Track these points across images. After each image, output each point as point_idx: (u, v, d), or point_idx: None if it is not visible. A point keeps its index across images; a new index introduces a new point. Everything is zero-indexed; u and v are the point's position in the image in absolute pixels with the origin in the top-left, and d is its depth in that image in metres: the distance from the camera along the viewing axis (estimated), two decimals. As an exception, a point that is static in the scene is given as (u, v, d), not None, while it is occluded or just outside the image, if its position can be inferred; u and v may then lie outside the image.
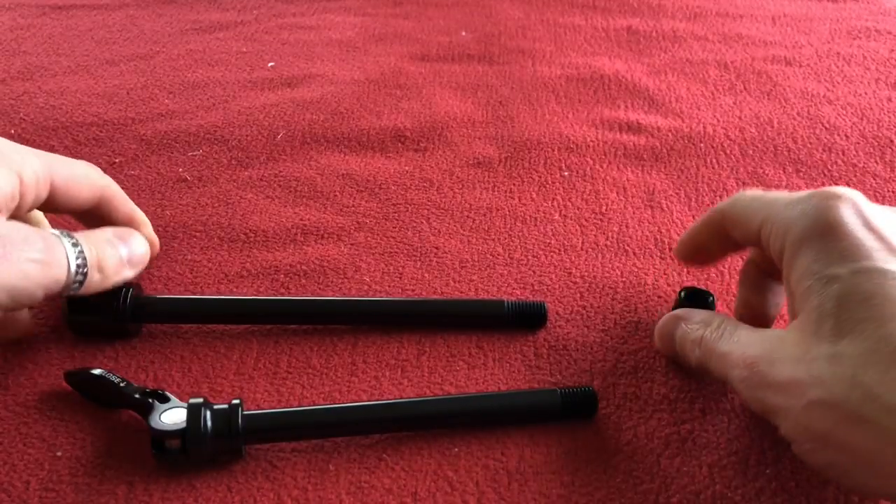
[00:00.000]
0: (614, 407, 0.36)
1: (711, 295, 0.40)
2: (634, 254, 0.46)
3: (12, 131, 0.59)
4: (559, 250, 0.47)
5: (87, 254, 0.33)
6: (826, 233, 0.30)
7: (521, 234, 0.48)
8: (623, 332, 0.41)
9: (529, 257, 0.46)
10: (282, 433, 0.34)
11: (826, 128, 0.62)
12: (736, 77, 0.71)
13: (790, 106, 0.65)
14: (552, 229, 0.49)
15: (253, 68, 0.72)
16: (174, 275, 0.43)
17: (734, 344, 0.32)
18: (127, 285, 0.37)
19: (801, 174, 0.55)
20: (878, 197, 0.52)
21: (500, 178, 0.54)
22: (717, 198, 0.52)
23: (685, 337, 0.35)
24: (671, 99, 0.66)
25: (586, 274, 0.45)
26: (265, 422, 0.33)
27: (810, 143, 0.59)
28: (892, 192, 0.53)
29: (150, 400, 0.33)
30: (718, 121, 0.62)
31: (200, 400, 0.33)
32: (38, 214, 0.39)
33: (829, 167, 0.56)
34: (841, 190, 0.31)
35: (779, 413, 0.29)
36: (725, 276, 0.44)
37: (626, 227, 0.49)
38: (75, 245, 0.32)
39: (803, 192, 0.32)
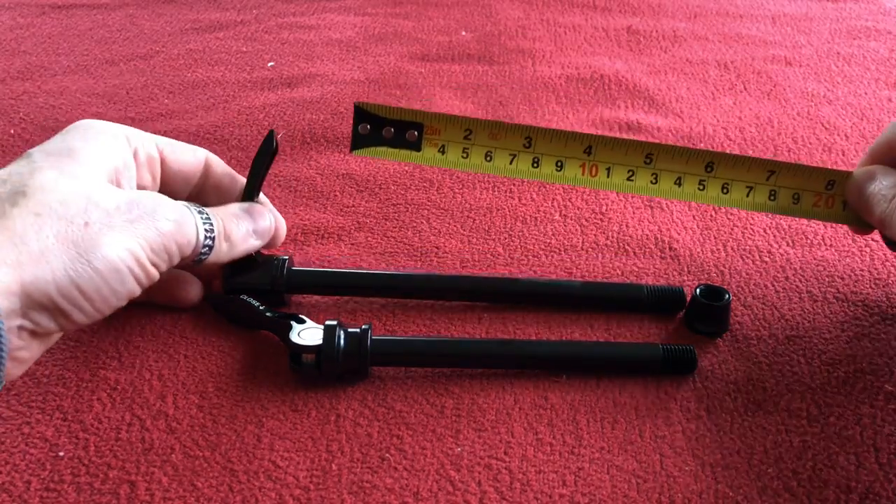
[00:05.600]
0: (616, 406, 0.36)
1: (727, 292, 0.40)
2: (635, 253, 0.46)
3: (12, 131, 0.59)
4: (559, 250, 0.47)
5: (213, 222, 0.34)
6: None
7: (521, 234, 0.48)
8: (625, 331, 0.41)
9: (530, 257, 0.46)
10: (405, 358, 0.37)
11: (826, 128, 0.62)
12: (736, 77, 0.71)
13: (790, 106, 0.65)
14: (552, 229, 0.49)
15: (253, 68, 0.72)
16: (175, 275, 0.43)
17: None
18: (281, 257, 0.40)
19: (802, 174, 0.55)
20: (879, 197, 0.52)
21: (500, 178, 0.54)
22: (718, 198, 0.52)
23: (876, 191, 0.36)
24: (671, 99, 0.66)
25: (587, 274, 0.45)
26: (391, 346, 0.37)
27: (810, 143, 0.59)
28: (893, 191, 0.53)
29: (289, 321, 0.37)
30: (718, 121, 0.62)
31: (335, 322, 0.36)
32: None
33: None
34: None
35: None
36: (726, 276, 0.44)
37: (626, 227, 0.49)
38: (202, 213, 0.34)
39: None
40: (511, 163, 0.36)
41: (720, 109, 0.64)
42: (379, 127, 0.37)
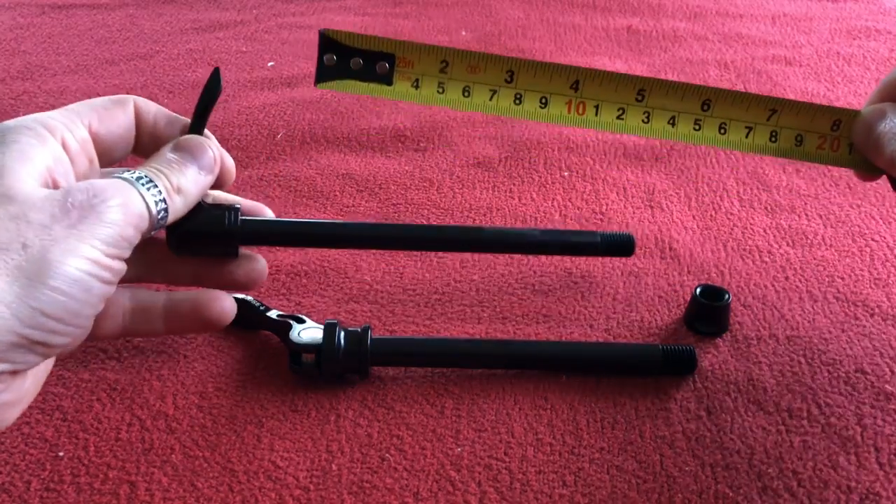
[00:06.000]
0: (616, 406, 0.36)
1: (727, 292, 0.40)
2: (635, 253, 0.46)
3: (12, 131, 0.59)
4: (560, 250, 0.47)
5: (157, 182, 0.31)
6: None
7: (521, 233, 0.48)
8: (625, 331, 0.41)
9: (530, 257, 0.46)
10: (405, 358, 0.37)
11: (826, 128, 0.62)
12: (736, 77, 0.71)
13: (790, 106, 0.65)
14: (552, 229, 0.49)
15: (253, 68, 0.72)
16: (175, 275, 0.43)
17: None
18: (230, 207, 0.34)
19: (801, 174, 0.55)
20: (878, 196, 0.52)
21: (500, 178, 0.54)
22: (717, 198, 0.52)
23: (886, 130, 0.33)
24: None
25: (587, 274, 0.45)
26: (391, 346, 0.37)
27: (810, 143, 0.59)
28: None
29: (289, 321, 0.37)
30: (719, 121, 0.62)
31: (335, 322, 0.36)
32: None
33: (830, 167, 0.56)
34: None
35: None
36: (726, 276, 0.44)
37: (627, 226, 0.49)
38: (141, 178, 0.30)
39: None
40: (491, 99, 0.34)
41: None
42: (346, 57, 0.33)
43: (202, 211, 0.33)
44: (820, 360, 0.39)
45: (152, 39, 0.78)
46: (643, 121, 0.34)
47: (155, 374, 0.37)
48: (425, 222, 0.49)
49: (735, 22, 0.84)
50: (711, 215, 0.50)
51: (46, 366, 0.29)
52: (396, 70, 0.33)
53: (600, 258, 0.46)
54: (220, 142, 0.56)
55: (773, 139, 0.35)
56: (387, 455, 0.33)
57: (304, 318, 0.38)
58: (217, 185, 0.34)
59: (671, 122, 0.34)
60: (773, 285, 0.44)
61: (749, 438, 0.34)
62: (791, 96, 0.66)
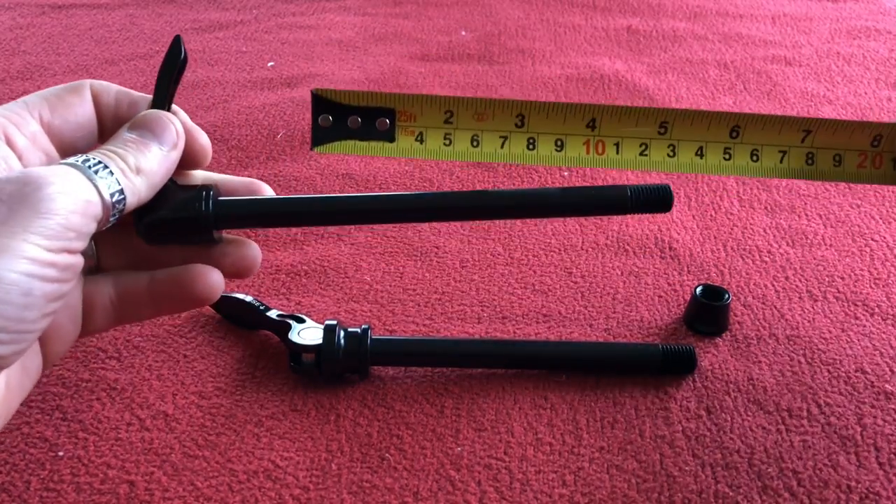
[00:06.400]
0: (616, 406, 0.36)
1: (727, 292, 0.40)
2: (634, 253, 0.46)
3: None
4: (559, 250, 0.47)
5: (109, 164, 0.27)
6: None
7: (521, 233, 0.48)
8: (625, 331, 0.41)
9: (530, 257, 0.46)
10: (405, 358, 0.37)
11: (826, 127, 0.62)
12: (736, 77, 0.71)
13: (790, 106, 0.65)
14: (552, 229, 0.49)
15: (253, 68, 0.72)
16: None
17: None
18: (204, 187, 0.30)
19: (802, 174, 0.55)
20: (878, 196, 0.52)
21: (500, 177, 0.54)
22: (717, 198, 0.52)
23: None
24: (671, 99, 0.66)
25: (587, 273, 0.45)
26: (391, 346, 0.37)
27: (810, 143, 0.59)
28: (893, 191, 0.53)
29: (289, 321, 0.37)
30: (718, 120, 0.62)
31: (335, 322, 0.36)
32: None
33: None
34: None
35: None
36: (726, 276, 0.44)
37: (626, 226, 0.49)
38: (87, 161, 0.27)
39: None
40: (503, 146, 0.32)
41: (720, 109, 0.64)
42: (343, 117, 0.31)
43: (171, 193, 0.29)
44: (820, 359, 0.39)
45: (152, 39, 0.78)
46: (668, 155, 0.32)
47: (155, 374, 0.37)
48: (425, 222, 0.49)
49: (735, 22, 0.84)
50: (711, 215, 0.50)
51: (20, 384, 0.27)
52: (398, 125, 0.31)
53: (600, 258, 0.46)
54: (219, 142, 0.56)
55: (810, 161, 0.33)
56: (387, 455, 0.33)
57: (303, 317, 0.38)
58: (191, 164, 0.31)
59: (699, 153, 0.32)
60: (773, 285, 0.44)
61: (749, 438, 0.34)
62: (791, 96, 0.66)
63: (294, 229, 0.48)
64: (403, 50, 0.76)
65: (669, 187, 0.32)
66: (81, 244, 0.25)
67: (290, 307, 0.42)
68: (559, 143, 0.32)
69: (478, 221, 0.49)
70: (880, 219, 0.50)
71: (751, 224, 0.49)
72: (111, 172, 0.27)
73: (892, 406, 0.36)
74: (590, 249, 0.47)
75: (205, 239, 0.30)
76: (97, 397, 0.36)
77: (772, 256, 0.46)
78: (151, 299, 0.30)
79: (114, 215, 0.27)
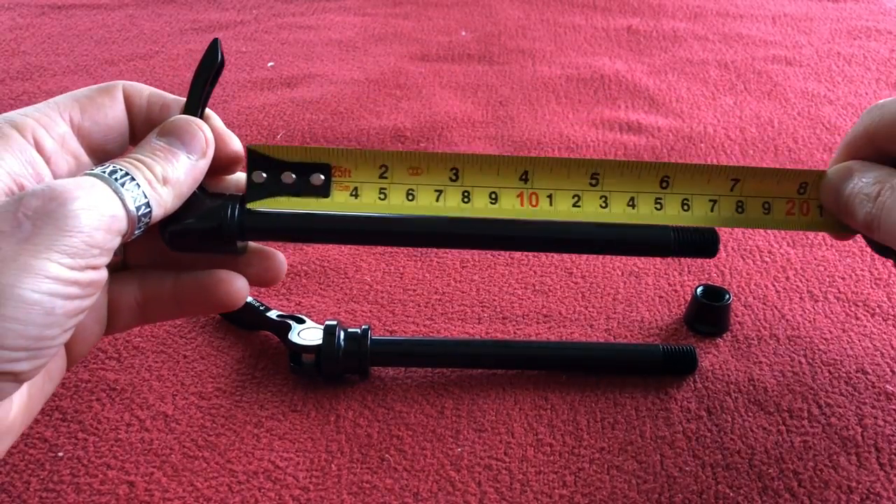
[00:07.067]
0: (616, 406, 0.36)
1: (728, 292, 0.40)
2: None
3: (12, 131, 0.59)
4: (560, 250, 0.47)
5: (135, 175, 0.27)
6: None
7: (521, 233, 0.48)
8: (626, 331, 0.40)
9: (530, 257, 0.46)
10: (405, 358, 0.38)
11: (826, 128, 0.62)
12: (736, 77, 0.70)
13: (791, 106, 0.65)
14: (553, 229, 0.48)
15: (253, 68, 0.72)
16: (174, 275, 0.43)
17: None
18: (233, 197, 0.30)
19: (802, 174, 0.55)
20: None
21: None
22: (718, 198, 0.52)
23: (857, 190, 0.31)
24: (671, 99, 0.66)
25: (587, 274, 0.45)
26: (391, 346, 0.38)
27: (811, 143, 0.59)
28: (893, 191, 0.53)
29: (289, 321, 0.37)
30: (719, 121, 0.62)
31: (335, 322, 0.36)
32: None
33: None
34: None
35: None
36: (727, 276, 0.44)
37: (627, 226, 0.49)
38: (114, 173, 0.26)
39: None
40: (437, 200, 0.31)
41: (720, 109, 0.64)
42: (277, 172, 0.30)
43: (198, 201, 0.29)
44: (821, 360, 0.39)
45: (152, 39, 0.78)
46: (601, 206, 0.32)
47: (154, 374, 0.37)
48: (425, 222, 0.49)
49: (735, 22, 0.84)
50: (712, 215, 0.50)
51: (41, 389, 0.27)
52: (333, 181, 0.31)
53: (601, 258, 0.46)
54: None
55: (740, 210, 0.33)
56: (387, 455, 0.33)
57: (303, 318, 0.38)
58: (223, 171, 0.30)
59: (630, 203, 0.32)
60: (773, 285, 0.44)
61: (749, 438, 0.34)
62: (792, 97, 0.66)
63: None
64: (403, 50, 0.76)
65: (715, 231, 0.32)
66: (105, 259, 0.25)
67: (290, 307, 0.42)
68: (493, 195, 0.32)
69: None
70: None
71: (751, 224, 0.49)
72: (138, 185, 0.26)
73: (893, 407, 0.36)
74: (590, 250, 0.47)
75: (229, 249, 0.30)
76: (97, 398, 0.36)
77: (772, 257, 0.46)
78: (175, 301, 0.30)
79: (139, 228, 0.26)
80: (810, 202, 0.33)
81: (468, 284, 0.44)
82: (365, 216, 0.32)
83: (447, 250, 0.46)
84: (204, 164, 0.29)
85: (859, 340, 0.40)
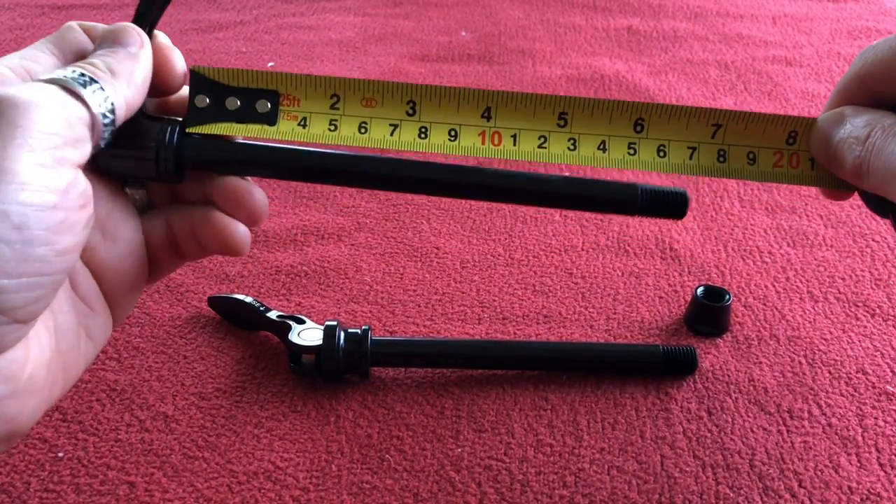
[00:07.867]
0: (616, 407, 0.36)
1: (728, 292, 0.40)
2: (635, 254, 0.46)
3: (12, 131, 0.59)
4: (560, 251, 0.47)
5: (78, 68, 0.26)
6: None
7: (521, 234, 0.48)
8: (626, 332, 0.40)
9: (530, 258, 0.46)
10: (405, 358, 0.37)
11: (827, 128, 0.61)
12: (736, 77, 0.70)
13: (791, 106, 0.65)
14: (553, 230, 0.48)
15: (253, 68, 0.72)
16: (175, 275, 0.43)
17: None
18: (172, 121, 0.28)
19: (802, 174, 0.55)
20: (879, 197, 0.52)
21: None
22: (718, 198, 0.52)
23: (847, 134, 0.28)
24: (671, 99, 0.66)
25: (587, 274, 0.45)
26: (391, 347, 0.37)
27: (811, 144, 0.59)
28: (893, 192, 0.53)
29: (289, 321, 0.37)
30: (719, 121, 0.62)
31: (335, 322, 0.36)
32: None
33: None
34: None
35: None
36: (727, 277, 0.44)
37: (627, 227, 0.49)
38: (62, 72, 0.25)
39: None
40: (392, 134, 0.29)
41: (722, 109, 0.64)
42: (221, 97, 0.29)
43: (137, 123, 0.27)
44: (821, 360, 0.39)
45: (152, 40, 0.78)
46: (569, 148, 0.30)
47: (154, 375, 0.37)
48: (425, 223, 0.49)
49: (735, 22, 0.84)
50: (712, 216, 0.50)
51: (77, 348, 0.25)
52: (281, 109, 0.29)
53: (601, 259, 0.46)
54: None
55: (722, 159, 0.30)
56: (387, 456, 0.33)
57: (303, 318, 0.38)
58: (164, 89, 0.29)
59: (601, 147, 0.30)
60: (773, 286, 0.44)
61: (750, 439, 0.34)
62: (792, 97, 0.66)
63: (295, 231, 0.48)
64: (403, 50, 0.76)
65: (685, 193, 0.30)
66: (75, 153, 0.23)
67: (290, 308, 0.42)
68: (453, 132, 0.30)
69: (477, 222, 0.49)
70: (881, 219, 0.50)
71: (751, 225, 0.49)
72: (83, 74, 0.25)
73: (894, 407, 0.36)
74: (590, 250, 0.47)
75: (166, 176, 0.28)
76: (97, 398, 0.36)
77: (772, 257, 0.46)
78: (195, 238, 0.29)
79: (105, 116, 0.25)
80: (801, 153, 0.30)
81: (468, 285, 0.44)
82: (313, 151, 0.30)
83: (447, 251, 0.46)
84: (146, 58, 0.28)
85: (859, 341, 0.40)
